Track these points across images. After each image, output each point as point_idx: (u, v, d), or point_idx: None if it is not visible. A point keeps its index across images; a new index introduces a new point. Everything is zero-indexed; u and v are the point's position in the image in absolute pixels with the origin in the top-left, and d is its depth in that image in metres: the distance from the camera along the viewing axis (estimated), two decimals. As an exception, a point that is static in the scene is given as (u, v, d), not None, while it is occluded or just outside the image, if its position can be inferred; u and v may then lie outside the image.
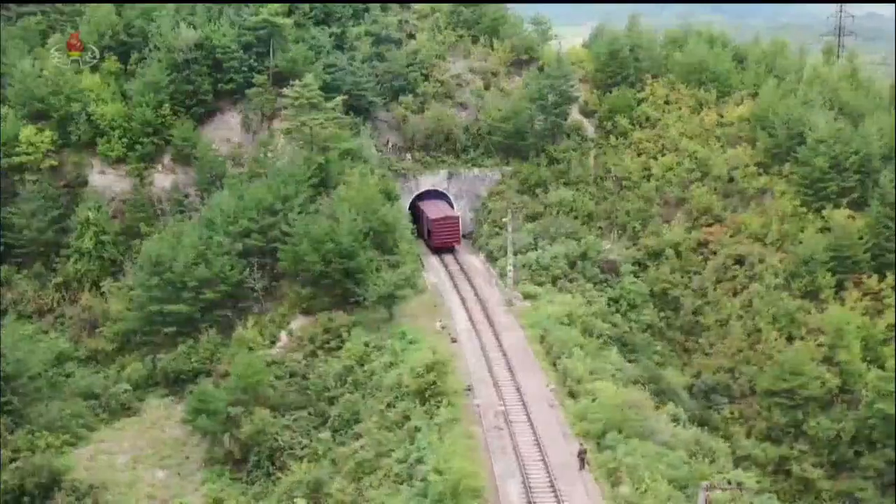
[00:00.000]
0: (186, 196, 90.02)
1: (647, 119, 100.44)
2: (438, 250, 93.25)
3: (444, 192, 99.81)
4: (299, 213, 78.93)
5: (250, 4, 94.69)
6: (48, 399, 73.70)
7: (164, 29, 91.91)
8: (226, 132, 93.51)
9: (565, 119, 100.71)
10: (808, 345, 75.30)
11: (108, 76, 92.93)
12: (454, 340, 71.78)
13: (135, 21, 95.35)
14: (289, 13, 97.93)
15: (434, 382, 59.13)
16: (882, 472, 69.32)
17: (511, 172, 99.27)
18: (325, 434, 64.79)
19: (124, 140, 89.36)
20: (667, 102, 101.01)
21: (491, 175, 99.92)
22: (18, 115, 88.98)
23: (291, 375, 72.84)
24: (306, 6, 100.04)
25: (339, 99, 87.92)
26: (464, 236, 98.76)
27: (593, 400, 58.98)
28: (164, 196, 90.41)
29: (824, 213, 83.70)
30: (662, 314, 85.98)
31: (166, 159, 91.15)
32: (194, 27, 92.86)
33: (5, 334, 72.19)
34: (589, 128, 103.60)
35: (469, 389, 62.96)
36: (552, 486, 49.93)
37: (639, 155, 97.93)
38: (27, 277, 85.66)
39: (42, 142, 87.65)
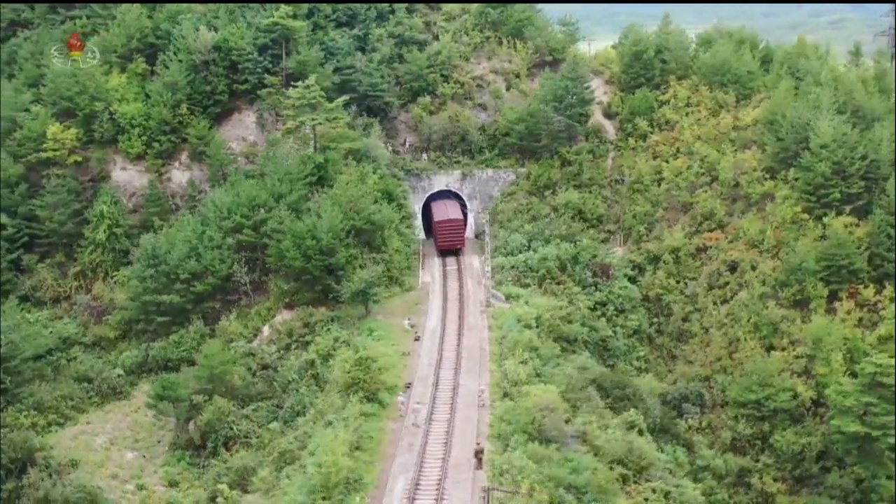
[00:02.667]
0: (201, 192, 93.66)
1: (667, 122, 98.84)
2: (444, 251, 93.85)
3: (458, 192, 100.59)
4: (286, 210, 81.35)
5: (267, 7, 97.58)
6: (46, 381, 78.47)
7: (186, 31, 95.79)
8: (242, 131, 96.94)
9: (582, 121, 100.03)
10: (784, 356, 73.13)
11: (135, 77, 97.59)
12: (417, 338, 72.96)
13: (162, 24, 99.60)
14: (309, 15, 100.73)
15: (361, 378, 60.33)
16: (849, 491, 66.62)
17: (525, 174, 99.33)
18: (275, 425, 66.96)
19: (143, 138, 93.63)
20: (688, 104, 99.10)
21: (505, 176, 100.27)
22: (49, 112, 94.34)
23: (264, 367, 75.44)
24: (329, 8, 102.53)
25: (341, 100, 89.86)
26: (476, 237, 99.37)
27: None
28: (180, 191, 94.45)
29: (825, 220, 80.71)
30: (655, 320, 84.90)
31: (183, 156, 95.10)
32: (216, 29, 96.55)
33: (3, 318, 77.03)
34: (610, 129, 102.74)
35: (408, 387, 64.09)
36: (439, 484, 50.55)
37: (654, 158, 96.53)
38: (49, 266, 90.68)
39: (68, 138, 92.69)
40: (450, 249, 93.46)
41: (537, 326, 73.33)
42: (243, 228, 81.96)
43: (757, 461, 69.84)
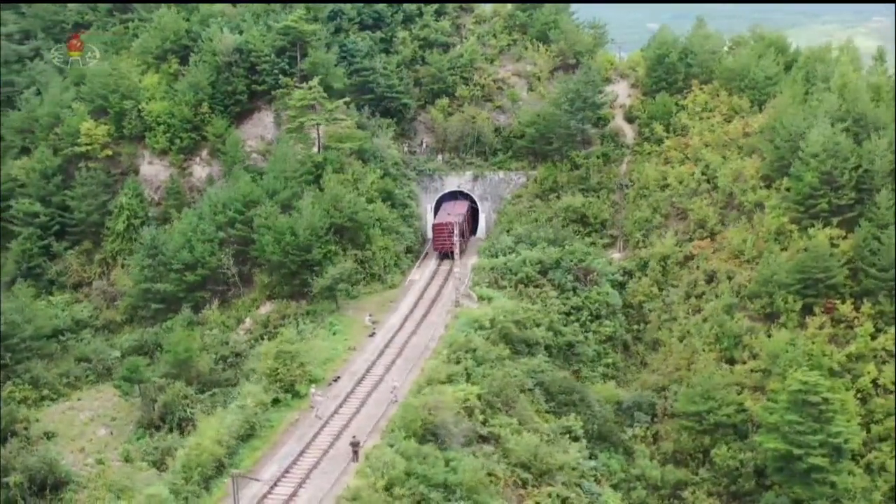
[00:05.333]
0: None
1: (683, 127, 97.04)
2: (443, 254, 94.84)
3: (470, 193, 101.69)
4: (274, 206, 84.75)
5: (289, 10, 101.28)
6: (52, 359, 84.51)
7: (213, 34, 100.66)
8: (261, 129, 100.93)
9: (599, 125, 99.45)
10: (742, 369, 71.25)
11: (166, 76, 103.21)
12: (372, 334, 74.99)
13: (195, 27, 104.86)
14: (332, 18, 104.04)
15: (276, 370, 62.93)
16: (784, 511, 64.55)
17: (535, 177, 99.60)
18: (220, 410, 70.03)
19: (167, 134, 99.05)
20: (705, 109, 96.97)
21: (516, 178, 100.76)
22: (87, 109, 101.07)
23: (237, 355, 79.02)
24: (353, 11, 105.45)
25: (341, 101, 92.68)
26: (487, 238, 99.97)
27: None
28: (199, 186, 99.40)
29: (811, 231, 77.92)
30: (635, 327, 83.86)
31: (204, 152, 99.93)
32: (240, 31, 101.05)
33: (6, 299, 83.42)
34: (629, 134, 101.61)
35: (336, 380, 66.37)
36: (307, 473, 52.63)
37: (665, 163, 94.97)
38: (77, 253, 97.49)
39: (99, 134, 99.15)
40: (445, 252, 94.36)
41: (490, 328, 73.86)
42: (235, 223, 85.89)
43: (696, 474, 68.47)
